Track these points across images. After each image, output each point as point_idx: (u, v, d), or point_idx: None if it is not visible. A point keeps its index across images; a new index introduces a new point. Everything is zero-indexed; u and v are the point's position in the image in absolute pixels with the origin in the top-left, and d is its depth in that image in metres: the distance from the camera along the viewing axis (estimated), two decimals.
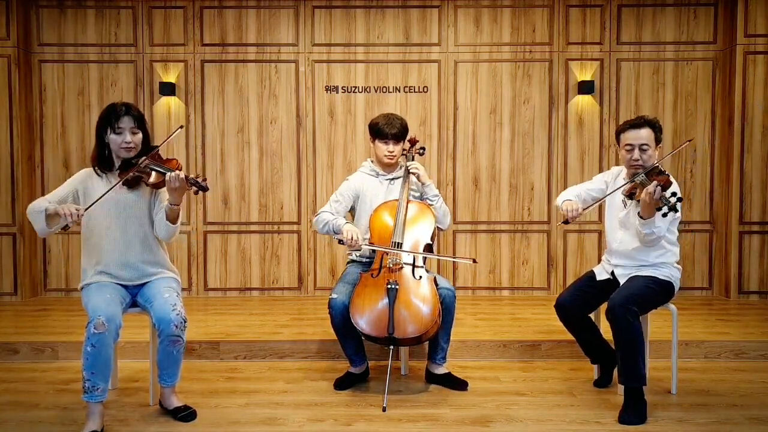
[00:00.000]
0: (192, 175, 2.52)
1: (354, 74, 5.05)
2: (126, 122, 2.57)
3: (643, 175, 2.66)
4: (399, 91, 5.05)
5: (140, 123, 2.62)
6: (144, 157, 2.58)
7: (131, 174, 2.55)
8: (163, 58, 5.02)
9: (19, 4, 4.83)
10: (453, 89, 5.05)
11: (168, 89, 4.95)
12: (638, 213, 2.64)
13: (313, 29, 5.03)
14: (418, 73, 5.05)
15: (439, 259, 5.04)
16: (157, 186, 2.61)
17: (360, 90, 5.04)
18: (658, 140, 2.79)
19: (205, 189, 2.51)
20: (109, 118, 2.58)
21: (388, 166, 3.18)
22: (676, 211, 2.44)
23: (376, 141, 3.13)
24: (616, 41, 5.01)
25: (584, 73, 5.00)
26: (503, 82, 5.04)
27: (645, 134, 2.74)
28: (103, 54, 5.01)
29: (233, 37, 5.04)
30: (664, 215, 2.49)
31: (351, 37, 5.04)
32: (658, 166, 2.70)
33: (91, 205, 2.50)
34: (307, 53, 5.05)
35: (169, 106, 5.01)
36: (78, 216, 2.41)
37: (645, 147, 2.74)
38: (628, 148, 2.77)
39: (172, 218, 2.60)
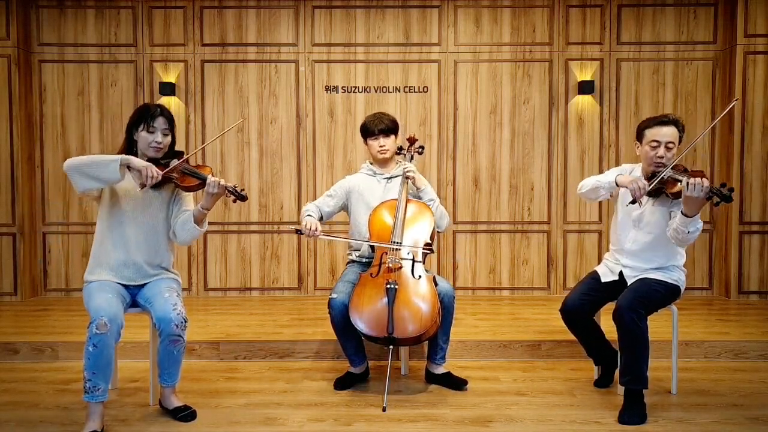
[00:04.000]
0: (231, 184, 2.59)
1: (354, 74, 5.05)
2: (160, 123, 2.62)
3: (670, 170, 2.61)
4: (399, 91, 5.05)
5: (171, 126, 2.68)
6: (176, 160, 2.64)
7: (169, 173, 2.58)
8: (163, 58, 5.02)
9: (19, 4, 4.83)
10: (453, 89, 5.05)
11: (168, 89, 4.96)
12: (681, 211, 2.54)
13: (313, 29, 5.04)
14: (418, 73, 5.05)
15: (438, 260, 5.05)
16: (190, 189, 2.65)
17: (360, 90, 5.05)
18: (680, 141, 2.76)
19: (244, 198, 2.59)
20: (144, 115, 2.62)
21: (384, 163, 3.20)
22: (729, 200, 2.38)
23: (368, 140, 3.18)
24: (616, 41, 5.01)
25: (584, 73, 5.00)
26: (503, 82, 5.04)
27: (672, 132, 2.71)
28: (103, 54, 5.01)
29: (233, 37, 5.04)
30: (716, 204, 2.45)
31: (351, 37, 5.04)
32: (680, 164, 2.68)
33: (167, 171, 2.56)
34: (307, 53, 5.05)
35: (169, 106, 5.00)
36: (156, 178, 2.48)
37: (671, 145, 2.70)
38: (654, 144, 2.71)
39: (200, 220, 2.66)
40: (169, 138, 2.67)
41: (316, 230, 2.92)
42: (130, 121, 2.66)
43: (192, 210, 2.67)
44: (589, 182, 2.88)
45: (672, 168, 2.63)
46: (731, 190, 2.39)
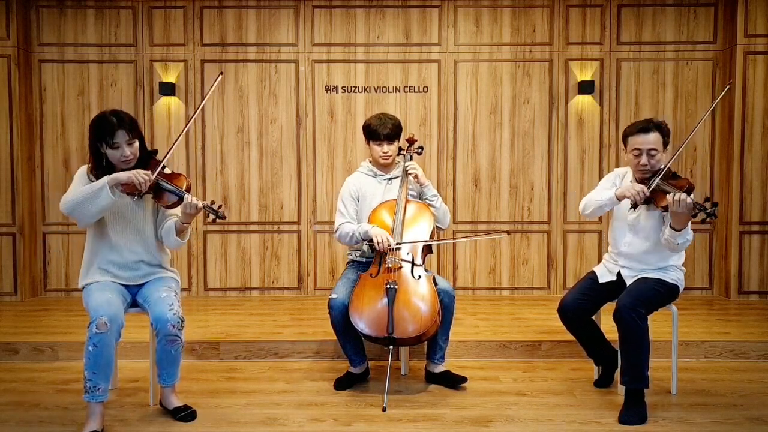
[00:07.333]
0: (207, 202, 2.56)
1: (354, 74, 5.05)
2: (121, 136, 2.51)
3: (658, 179, 2.62)
4: (399, 91, 5.05)
5: (134, 131, 2.56)
6: (151, 174, 2.53)
7: (141, 193, 2.51)
8: (163, 58, 5.02)
9: (19, 4, 4.83)
10: (453, 89, 5.05)
11: (168, 89, 4.95)
12: (670, 225, 2.60)
13: (313, 29, 5.03)
14: (418, 73, 5.05)
15: (438, 260, 5.05)
16: (169, 207, 2.62)
17: (360, 90, 5.04)
18: (665, 144, 2.76)
19: (222, 217, 2.54)
20: (103, 133, 2.51)
21: (385, 166, 3.19)
22: (715, 216, 2.40)
23: (371, 142, 3.15)
24: (616, 41, 5.01)
25: (584, 73, 5.00)
26: (503, 82, 5.04)
27: (653, 139, 2.71)
28: (103, 54, 5.01)
29: (233, 37, 5.04)
30: (703, 221, 2.46)
31: (351, 37, 5.04)
32: (669, 169, 2.68)
33: (158, 171, 2.51)
34: (307, 53, 5.04)
35: (169, 106, 5.01)
36: (148, 179, 2.44)
37: (653, 152, 2.70)
38: (636, 153, 2.73)
39: (182, 232, 2.64)
40: (136, 144, 2.57)
41: (390, 241, 2.87)
42: (91, 136, 2.55)
43: (174, 219, 2.65)
44: (591, 203, 2.87)
45: (661, 177, 2.64)
46: (715, 204, 2.43)
